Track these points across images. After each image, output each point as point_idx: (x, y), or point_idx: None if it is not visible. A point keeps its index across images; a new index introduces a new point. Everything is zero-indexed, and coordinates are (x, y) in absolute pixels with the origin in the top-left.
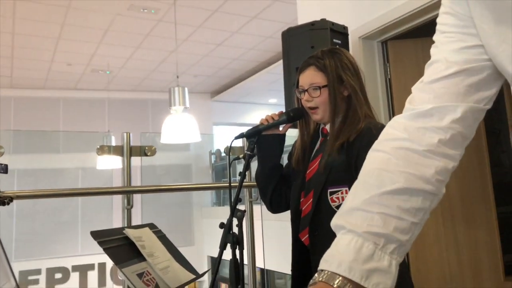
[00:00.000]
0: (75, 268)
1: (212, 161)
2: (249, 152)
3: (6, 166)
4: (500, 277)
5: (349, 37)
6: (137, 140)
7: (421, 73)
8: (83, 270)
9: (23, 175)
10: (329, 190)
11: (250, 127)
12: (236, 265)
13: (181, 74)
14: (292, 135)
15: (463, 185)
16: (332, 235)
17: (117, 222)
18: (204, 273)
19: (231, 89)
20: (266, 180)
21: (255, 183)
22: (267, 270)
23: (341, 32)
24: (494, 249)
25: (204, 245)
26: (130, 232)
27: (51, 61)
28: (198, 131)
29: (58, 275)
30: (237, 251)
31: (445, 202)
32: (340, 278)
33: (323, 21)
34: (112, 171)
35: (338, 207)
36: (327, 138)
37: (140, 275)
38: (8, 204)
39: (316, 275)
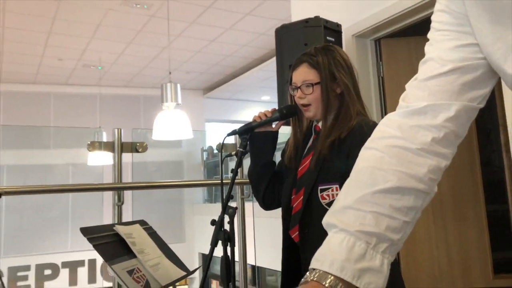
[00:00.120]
0: (65, 264)
1: (204, 158)
2: (241, 149)
3: None
4: (489, 275)
5: (343, 35)
6: (128, 136)
7: (414, 72)
8: (73, 266)
9: (13, 170)
10: (319, 188)
11: (242, 124)
12: (227, 262)
13: (174, 70)
14: (285, 132)
15: (454, 183)
16: (322, 233)
17: (107, 218)
18: (195, 270)
19: (224, 85)
20: (259, 177)
21: (247, 180)
22: (258, 267)
23: (334, 30)
24: (484, 247)
25: (195, 242)
26: (120, 229)
27: (42, 55)
28: (190, 127)
29: (47, 272)
30: (229, 248)
31: (436, 201)
32: (332, 277)
33: (317, 18)
34: (103, 168)
35: (328, 204)
36: (319, 135)
37: (130, 272)
38: None
39: (307, 273)
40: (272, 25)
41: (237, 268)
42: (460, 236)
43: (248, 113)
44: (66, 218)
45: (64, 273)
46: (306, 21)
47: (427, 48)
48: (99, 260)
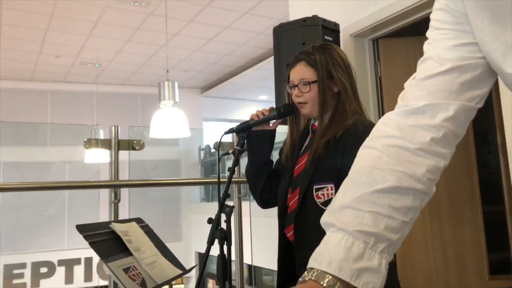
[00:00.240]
0: (61, 262)
1: (201, 157)
2: (238, 148)
3: None
4: (485, 276)
5: (340, 34)
6: (125, 134)
7: (411, 72)
8: (69, 264)
9: (9, 167)
10: (315, 187)
11: (240, 123)
12: (224, 261)
13: (171, 68)
14: (283, 131)
15: (450, 184)
16: (317, 232)
17: (104, 216)
18: (191, 268)
19: (222, 84)
20: (256, 176)
21: (244, 179)
22: (254, 266)
23: (332, 29)
24: (480, 248)
25: (191, 241)
26: (116, 227)
27: (39, 52)
28: (188, 126)
29: (43, 269)
30: (225, 247)
31: (432, 201)
32: (330, 277)
33: (315, 17)
34: (100, 165)
35: (323, 203)
36: (315, 133)
37: (126, 270)
38: None
39: (305, 273)
40: (270, 24)
41: (234, 267)
42: (456, 236)
43: (246, 112)
44: (63, 216)
45: (60, 271)
46: (304, 20)
47: (426, 46)
48: (95, 258)
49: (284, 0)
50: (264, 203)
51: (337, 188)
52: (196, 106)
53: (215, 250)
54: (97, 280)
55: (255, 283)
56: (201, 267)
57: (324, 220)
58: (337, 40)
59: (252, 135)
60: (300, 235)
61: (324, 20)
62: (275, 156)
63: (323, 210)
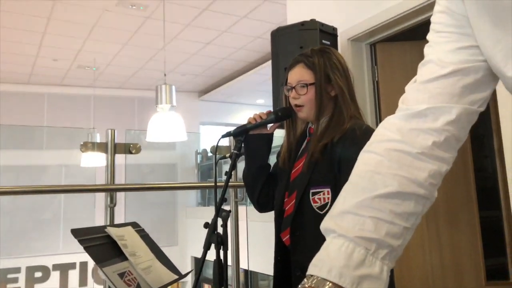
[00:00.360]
0: (56, 267)
1: (198, 161)
2: (236, 151)
3: None
4: (482, 281)
5: (338, 38)
6: (122, 137)
7: (409, 76)
8: (64, 269)
9: (5, 171)
10: (311, 191)
11: (237, 127)
12: (220, 266)
13: (169, 72)
14: (280, 135)
15: (447, 189)
16: (313, 236)
17: (99, 220)
18: (187, 273)
19: (219, 88)
20: (254, 180)
21: (241, 183)
22: (251, 271)
23: (330, 33)
24: (476, 253)
25: (188, 245)
26: (112, 231)
27: (36, 55)
28: (185, 130)
29: (38, 274)
30: (221, 252)
31: None
32: (330, 284)
33: (313, 21)
34: (96, 169)
35: (319, 208)
36: (312, 137)
37: (121, 275)
38: None
39: (305, 279)
40: (267, 29)
41: (230, 272)
42: (453, 241)
43: (243, 116)
44: (58, 220)
45: (55, 275)
46: (302, 24)
47: (427, 50)
48: (91, 263)
49: (282, 5)
50: (262, 207)
51: (333, 192)
52: (193, 110)
53: (211, 255)
54: (92, 285)
55: None
56: (197, 272)
57: (324, 225)
58: (335, 44)
59: (249, 138)
60: (296, 239)
61: (322, 24)
62: (272, 159)
63: (319, 214)
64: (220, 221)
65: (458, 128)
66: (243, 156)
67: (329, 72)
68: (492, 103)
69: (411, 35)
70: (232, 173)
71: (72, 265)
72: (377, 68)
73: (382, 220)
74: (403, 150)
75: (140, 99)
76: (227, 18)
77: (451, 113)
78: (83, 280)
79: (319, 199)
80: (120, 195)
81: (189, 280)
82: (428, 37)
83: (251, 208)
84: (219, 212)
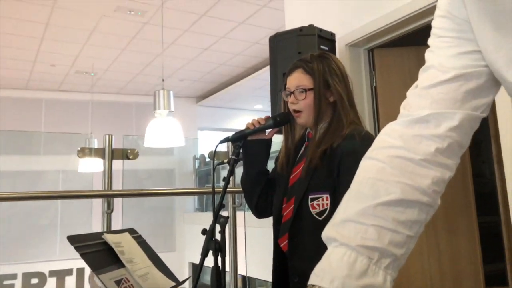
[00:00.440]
0: (52, 273)
1: (196, 166)
2: (234, 157)
3: None
4: (481, 287)
5: (336, 44)
6: (119, 143)
7: (406, 82)
8: (60, 275)
9: (2, 176)
10: (310, 197)
11: (235, 132)
12: (218, 273)
13: (167, 78)
14: (279, 140)
15: (446, 195)
16: (311, 242)
17: (96, 226)
18: (185, 280)
19: (217, 94)
20: (252, 185)
21: (239, 189)
22: (248, 277)
23: (328, 39)
24: (475, 259)
25: (185, 251)
26: (109, 237)
27: (34, 61)
28: (182, 135)
29: (34, 280)
30: (219, 258)
31: None
32: None
33: (311, 27)
34: (93, 174)
35: (318, 214)
36: (311, 143)
37: (118, 282)
38: None
39: None
40: (266, 34)
41: (228, 278)
42: (452, 248)
43: (241, 122)
44: (55, 226)
45: (52, 282)
46: (300, 29)
47: (428, 55)
48: (87, 269)
49: (280, 11)
50: (260, 213)
51: (332, 199)
52: (191, 115)
53: (209, 261)
54: None
55: None
56: (195, 278)
57: (326, 234)
58: (333, 50)
59: (247, 144)
60: (294, 245)
61: (320, 30)
62: (270, 165)
63: (318, 221)
64: (218, 228)
65: (461, 134)
66: (241, 162)
67: (328, 77)
68: (490, 108)
69: (408, 40)
70: (230, 179)
71: (68, 271)
72: (375, 74)
73: (385, 229)
74: (405, 156)
75: (138, 104)
76: (225, 24)
77: (454, 119)
78: (79, 287)
79: (318, 205)
80: (117, 201)
81: (187, 286)
82: (429, 42)
83: (249, 213)
84: (217, 218)
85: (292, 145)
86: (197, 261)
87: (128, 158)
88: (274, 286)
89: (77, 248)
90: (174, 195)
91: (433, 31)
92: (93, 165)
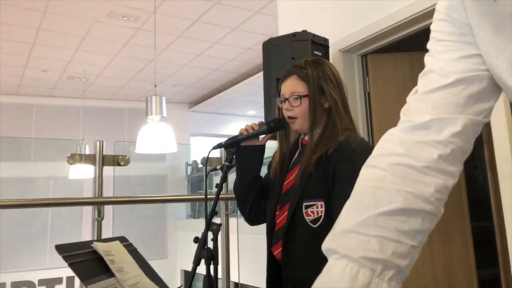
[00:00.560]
0: (42, 282)
1: (189, 172)
2: (227, 163)
3: None
4: None
5: (330, 49)
6: (111, 149)
7: (400, 87)
8: (50, 284)
9: None
10: (304, 204)
11: (229, 138)
12: (210, 282)
13: (160, 83)
14: (272, 146)
15: None
16: (305, 250)
17: (86, 234)
18: None
19: (210, 99)
20: (245, 192)
21: (232, 196)
22: (241, 284)
23: (322, 44)
24: (469, 264)
25: (177, 259)
26: (98, 246)
27: (25, 66)
28: (175, 141)
29: None
30: (212, 267)
31: None
32: None
33: (304, 32)
34: (83, 181)
35: (312, 221)
36: (305, 149)
37: None
38: None
39: None
40: (259, 40)
41: (220, 285)
42: (445, 253)
43: (234, 128)
44: (45, 233)
45: None
46: (294, 35)
47: (427, 59)
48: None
49: (273, 16)
50: (253, 220)
51: (327, 206)
52: (184, 121)
53: (202, 268)
54: None
55: None
56: (187, 287)
57: (326, 246)
58: (326, 55)
59: (241, 150)
60: (288, 253)
61: (314, 35)
62: (264, 171)
63: (312, 228)
64: (210, 235)
65: (464, 140)
66: (234, 168)
67: (323, 83)
68: None
69: (402, 46)
70: (223, 185)
71: (58, 280)
72: (368, 79)
73: (387, 239)
74: (407, 164)
75: (131, 110)
76: (218, 29)
77: (456, 124)
78: None
79: (312, 212)
80: (108, 208)
81: None
82: (429, 46)
83: (242, 220)
84: (209, 226)
85: (287, 151)
86: (189, 268)
87: (119, 165)
88: None
89: (65, 258)
90: (166, 202)
91: (432, 34)
92: (84, 172)
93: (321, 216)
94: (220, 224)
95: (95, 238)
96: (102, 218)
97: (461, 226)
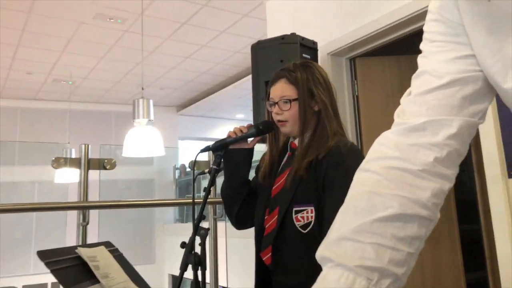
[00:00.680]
0: None
1: (176, 176)
2: (215, 167)
3: None
4: None
5: (318, 53)
6: (97, 153)
7: (387, 91)
8: None
9: None
10: (294, 209)
11: (216, 141)
12: (198, 287)
13: (147, 86)
14: (261, 150)
15: None
16: (295, 256)
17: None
18: None
19: (198, 103)
20: (233, 196)
21: (220, 199)
22: None
23: (310, 47)
24: (457, 268)
25: (165, 263)
26: (83, 251)
27: (9, 68)
28: (162, 144)
29: None
30: (199, 272)
31: None
32: None
33: (293, 35)
34: (68, 185)
35: (302, 226)
36: (295, 153)
37: None
38: None
39: None
40: (247, 43)
41: None
42: (434, 257)
43: (223, 131)
44: (30, 239)
45: None
46: (282, 37)
47: (421, 60)
48: None
49: (261, 20)
50: (240, 224)
51: (317, 211)
52: (171, 124)
53: (190, 273)
54: None
55: None
56: None
57: (320, 254)
58: (315, 58)
59: (229, 153)
60: (278, 258)
61: (303, 38)
62: (252, 175)
63: (302, 234)
64: (198, 240)
65: (460, 142)
66: (222, 172)
67: (312, 87)
68: None
69: (390, 50)
70: (211, 189)
71: (43, 286)
72: (357, 83)
73: (383, 246)
74: (402, 167)
75: (118, 113)
76: (207, 32)
77: (451, 126)
78: None
79: (302, 217)
80: (93, 213)
81: None
82: (422, 47)
83: (230, 224)
84: (197, 230)
85: (277, 153)
86: (177, 272)
87: (105, 168)
88: None
89: (48, 264)
90: (153, 207)
91: (425, 35)
92: (70, 176)
93: (311, 221)
94: (208, 229)
95: (80, 244)
96: (87, 223)
97: (449, 229)
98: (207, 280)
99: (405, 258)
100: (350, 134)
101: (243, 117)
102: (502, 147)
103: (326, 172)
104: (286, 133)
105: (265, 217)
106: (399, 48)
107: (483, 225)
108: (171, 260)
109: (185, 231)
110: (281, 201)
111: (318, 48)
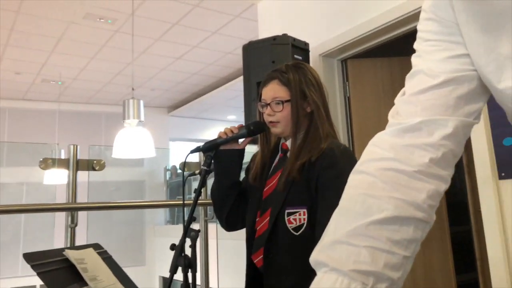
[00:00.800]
0: None
1: (167, 178)
2: (205, 168)
3: None
4: None
5: (310, 54)
6: (86, 153)
7: (379, 92)
8: None
9: None
10: (286, 211)
11: (207, 141)
12: None
13: (138, 87)
14: (251, 151)
15: None
16: (287, 259)
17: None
18: None
19: (189, 104)
20: (223, 197)
21: (211, 201)
22: None
23: (302, 48)
24: (448, 269)
25: (156, 265)
26: (70, 254)
27: None
28: (153, 146)
29: None
30: (189, 275)
31: None
32: None
33: (285, 36)
34: (56, 187)
35: (295, 229)
36: (286, 154)
37: None
38: None
39: None
40: (239, 44)
41: None
42: (425, 259)
43: (214, 132)
44: (18, 241)
45: None
46: (274, 38)
47: (415, 60)
48: None
49: (253, 21)
50: (230, 226)
51: (310, 213)
52: (162, 125)
53: (180, 275)
54: None
55: None
56: None
57: (314, 258)
58: (306, 59)
59: (219, 154)
60: (270, 261)
61: (294, 39)
62: (242, 176)
63: (294, 236)
64: (188, 242)
65: (455, 143)
66: (213, 173)
67: (305, 88)
68: None
69: (382, 51)
70: (202, 190)
71: None
72: (348, 84)
73: (379, 250)
74: (397, 169)
75: (108, 114)
76: (198, 33)
77: (447, 126)
78: None
79: (295, 219)
80: (82, 215)
81: None
82: (416, 46)
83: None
84: (187, 232)
85: (268, 154)
86: (167, 274)
87: (94, 169)
88: None
89: (34, 267)
90: (143, 208)
91: (419, 35)
92: (59, 177)
93: (303, 223)
94: (199, 230)
95: (68, 246)
96: (76, 225)
97: (440, 231)
98: (198, 282)
99: (401, 262)
100: (342, 136)
101: (234, 118)
102: (492, 148)
103: (319, 174)
104: (277, 134)
105: (257, 219)
106: (390, 50)
107: (474, 226)
108: (162, 262)
109: (176, 232)
110: (273, 203)
111: (310, 49)
